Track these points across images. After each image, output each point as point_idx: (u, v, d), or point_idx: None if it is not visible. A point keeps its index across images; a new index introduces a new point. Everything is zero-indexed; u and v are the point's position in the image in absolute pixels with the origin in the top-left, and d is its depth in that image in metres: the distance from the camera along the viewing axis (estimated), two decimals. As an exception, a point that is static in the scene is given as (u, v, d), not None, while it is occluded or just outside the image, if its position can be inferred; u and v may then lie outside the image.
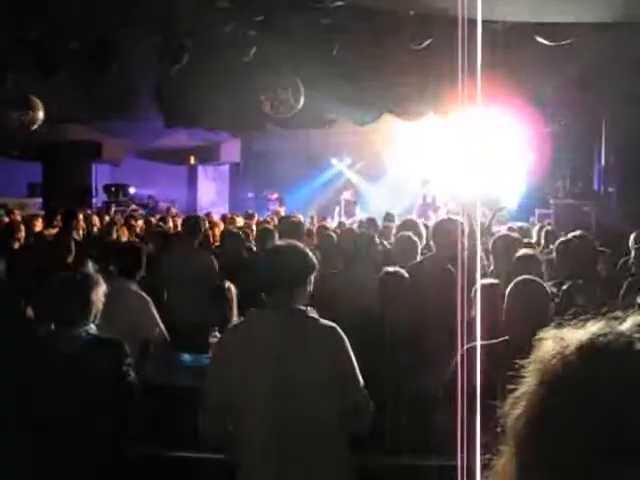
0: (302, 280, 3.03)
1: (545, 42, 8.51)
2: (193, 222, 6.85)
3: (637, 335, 0.78)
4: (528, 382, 0.82)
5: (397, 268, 4.84)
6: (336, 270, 6.03)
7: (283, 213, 14.04)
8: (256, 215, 12.20)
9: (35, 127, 10.44)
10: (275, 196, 16.27)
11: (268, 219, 11.16)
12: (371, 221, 8.70)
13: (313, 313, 3.08)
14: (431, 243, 5.64)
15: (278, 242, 3.35)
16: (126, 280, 4.83)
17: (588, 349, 0.79)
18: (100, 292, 3.15)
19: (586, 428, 0.75)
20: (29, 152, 14.66)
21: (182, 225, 7.25)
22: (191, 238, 6.62)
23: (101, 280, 3.19)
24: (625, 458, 0.73)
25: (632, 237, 6.54)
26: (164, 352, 4.52)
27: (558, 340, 0.82)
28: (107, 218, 11.71)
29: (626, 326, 0.80)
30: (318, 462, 2.90)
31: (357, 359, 3.04)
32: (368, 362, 3.19)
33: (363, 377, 3.02)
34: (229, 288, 4.66)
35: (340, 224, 11.29)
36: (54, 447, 2.94)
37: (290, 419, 2.86)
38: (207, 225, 9.08)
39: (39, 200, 15.16)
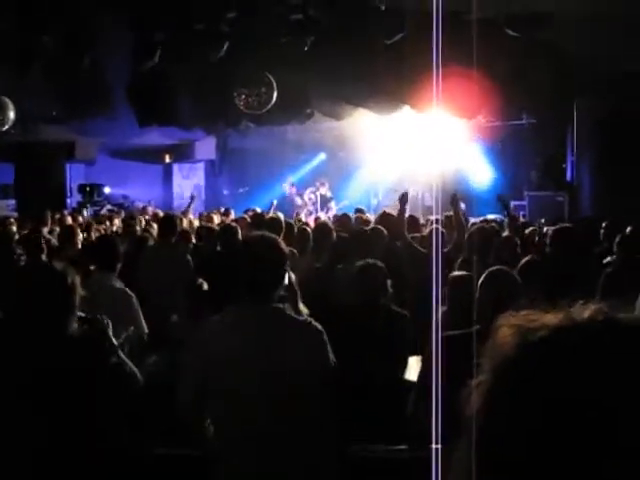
0: (275, 270, 3.00)
1: (515, 34, 8.59)
2: (169, 221, 6.84)
3: (592, 330, 0.78)
4: (482, 371, 0.81)
5: (374, 260, 4.86)
6: (319, 265, 6.05)
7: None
8: (232, 212, 12.19)
9: (6, 127, 10.32)
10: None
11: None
12: (345, 217, 8.74)
13: (289, 310, 3.08)
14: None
15: (248, 235, 3.31)
16: (106, 274, 4.80)
17: (543, 341, 0.78)
18: (79, 287, 3.09)
19: (533, 418, 0.74)
20: (0, 153, 14.48)
21: (158, 224, 7.22)
22: (167, 237, 6.60)
23: (75, 274, 3.12)
24: (574, 452, 0.73)
25: (603, 225, 6.64)
26: (138, 350, 4.48)
27: (513, 328, 0.81)
28: (80, 219, 11.63)
29: (584, 318, 0.79)
30: (299, 454, 2.92)
31: (336, 351, 3.06)
32: (348, 354, 3.22)
33: (343, 368, 3.05)
34: (201, 285, 4.64)
35: (316, 219, 11.32)
36: (46, 450, 2.89)
37: (270, 414, 2.86)
38: (184, 223, 9.07)
39: (12, 202, 14.98)
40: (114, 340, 3.42)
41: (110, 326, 3.25)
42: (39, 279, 3.08)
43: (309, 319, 3.11)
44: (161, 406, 3.65)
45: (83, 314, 3.11)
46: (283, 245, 3.09)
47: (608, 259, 5.93)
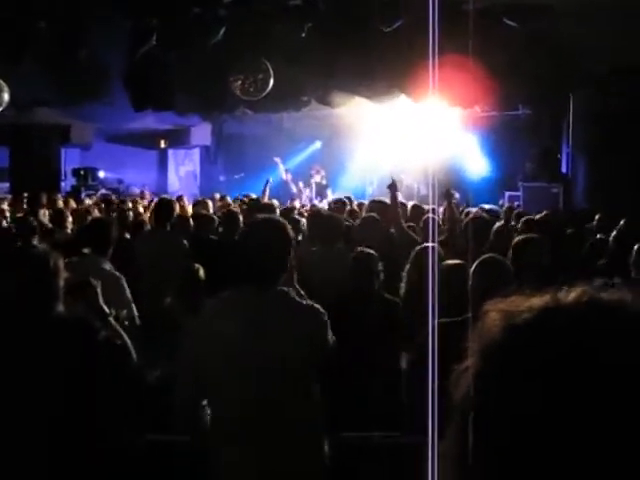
0: (280, 255, 2.98)
1: (513, 24, 8.58)
2: (165, 206, 6.81)
3: (577, 311, 0.78)
4: (470, 355, 0.81)
5: (367, 249, 4.87)
6: (315, 249, 6.07)
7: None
8: (228, 197, 12.18)
9: (1, 110, 10.27)
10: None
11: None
12: (339, 202, 8.76)
13: (293, 293, 3.06)
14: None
15: (254, 218, 3.28)
16: (97, 257, 4.78)
17: (529, 323, 0.79)
18: (62, 270, 3.05)
19: (519, 400, 0.75)
20: (-5, 136, 14.44)
21: (154, 208, 7.19)
22: (163, 221, 6.58)
23: (60, 257, 3.08)
24: (557, 435, 0.73)
25: (597, 217, 6.67)
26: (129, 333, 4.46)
27: (500, 312, 0.82)
28: (73, 203, 11.58)
29: (569, 300, 0.80)
30: (293, 441, 2.92)
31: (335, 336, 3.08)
32: (341, 340, 3.24)
33: (340, 353, 3.07)
34: (198, 269, 4.63)
35: (312, 206, 11.32)
36: (36, 440, 2.87)
37: (267, 399, 2.86)
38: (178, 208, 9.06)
39: (6, 185, 14.92)
40: (105, 307, 3.40)
41: (100, 290, 3.24)
42: (20, 263, 3.03)
43: (312, 303, 3.09)
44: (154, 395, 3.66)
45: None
46: (289, 229, 3.07)
47: (598, 236, 5.98)
